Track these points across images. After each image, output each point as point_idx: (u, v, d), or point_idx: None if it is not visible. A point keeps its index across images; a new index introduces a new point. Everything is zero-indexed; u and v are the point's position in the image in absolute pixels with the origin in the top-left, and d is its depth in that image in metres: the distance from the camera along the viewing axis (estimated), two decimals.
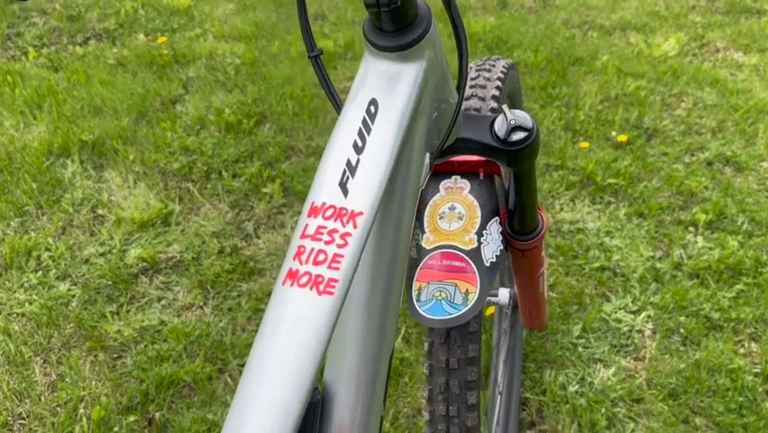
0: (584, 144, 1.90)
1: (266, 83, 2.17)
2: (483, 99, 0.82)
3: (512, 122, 0.63)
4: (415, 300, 0.69)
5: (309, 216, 0.45)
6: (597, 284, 1.52)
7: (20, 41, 2.44)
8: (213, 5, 2.66)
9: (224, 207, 1.74)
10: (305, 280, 0.43)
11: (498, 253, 0.71)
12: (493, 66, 0.91)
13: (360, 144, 0.47)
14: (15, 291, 1.52)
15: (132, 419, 1.26)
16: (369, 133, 0.47)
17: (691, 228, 1.67)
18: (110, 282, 1.53)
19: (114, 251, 1.60)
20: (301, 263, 0.44)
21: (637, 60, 2.32)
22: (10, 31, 2.50)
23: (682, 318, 1.44)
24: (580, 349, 1.39)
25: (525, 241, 0.79)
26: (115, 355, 1.39)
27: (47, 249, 1.61)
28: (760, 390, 1.32)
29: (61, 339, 1.42)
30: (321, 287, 0.43)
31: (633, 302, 1.49)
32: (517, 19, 2.57)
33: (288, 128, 1.99)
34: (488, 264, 0.69)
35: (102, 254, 1.61)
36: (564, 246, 1.60)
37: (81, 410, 1.27)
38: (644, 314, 1.46)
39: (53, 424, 1.26)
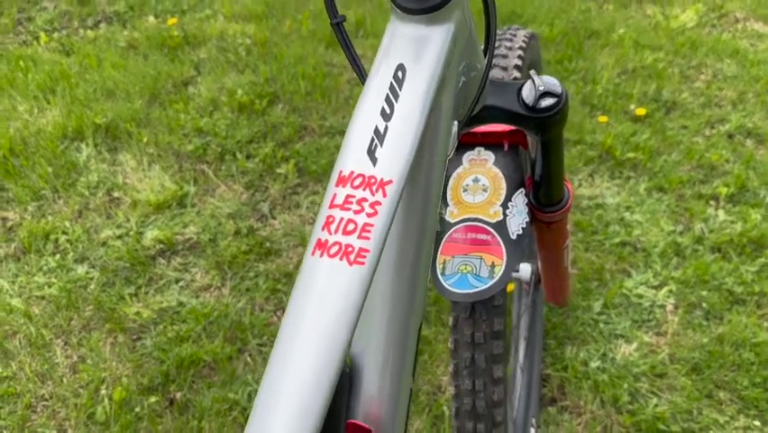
0: (602, 119, 1.87)
1: (278, 63, 2.15)
2: (506, 69, 0.80)
3: (540, 88, 0.61)
4: (440, 274, 0.67)
5: (337, 185, 0.44)
6: (617, 260, 1.50)
7: (31, 26, 2.43)
8: None
9: (239, 188, 1.74)
10: (335, 250, 0.42)
11: (525, 226, 0.69)
12: (514, 36, 0.89)
13: (388, 111, 0.45)
14: (35, 275, 1.52)
15: (153, 399, 1.27)
16: (396, 100, 0.45)
17: (713, 202, 1.65)
18: (128, 264, 1.53)
19: (131, 233, 1.60)
20: (330, 233, 0.42)
21: (655, 33, 2.28)
22: (20, 15, 2.49)
23: (704, 293, 1.43)
24: (601, 325, 1.38)
25: (552, 213, 0.77)
26: (135, 337, 1.40)
27: (64, 232, 1.62)
28: None
29: (81, 321, 1.42)
30: (351, 257, 0.42)
31: (654, 277, 1.47)
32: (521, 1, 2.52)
33: (300, 108, 1.98)
34: (514, 237, 0.68)
35: (119, 237, 1.61)
36: (584, 222, 1.58)
37: (103, 391, 1.28)
38: (665, 289, 1.44)
39: (76, 405, 1.26)
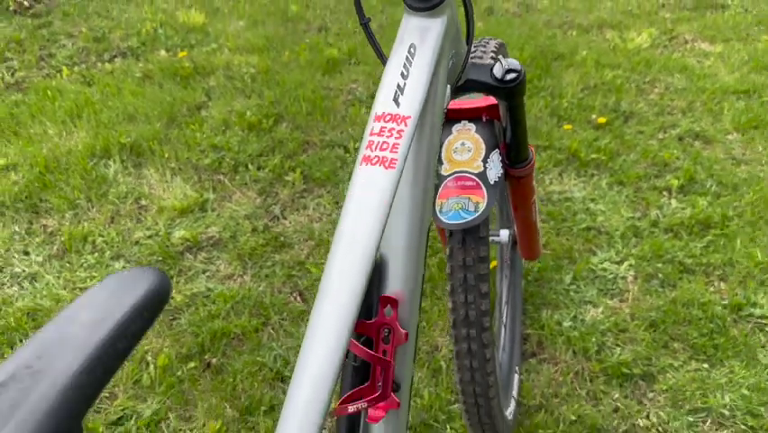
0: (568, 127, 2.14)
1: (280, 88, 2.40)
2: None
3: (506, 66, 0.86)
4: (438, 213, 0.91)
5: (375, 121, 0.67)
6: (584, 241, 1.75)
7: (52, 61, 2.67)
8: (225, 23, 2.91)
9: (253, 194, 1.97)
10: (375, 160, 0.65)
11: (500, 176, 0.93)
12: (487, 43, 1.14)
13: (405, 73, 0.69)
14: (76, 271, 1.73)
15: (191, 365, 1.47)
16: (411, 66, 0.69)
17: (666, 192, 1.91)
18: (160, 258, 1.75)
19: (161, 233, 1.82)
20: (372, 150, 0.66)
21: (613, 54, 2.57)
22: (42, 52, 2.74)
23: (660, 265, 1.67)
24: (572, 294, 1.61)
25: (520, 168, 1.02)
26: (171, 318, 1.61)
27: (100, 235, 1.83)
28: (728, 318, 1.54)
29: None
30: (386, 164, 0.65)
31: (616, 254, 1.71)
32: (503, 23, 2.82)
33: (303, 126, 2.22)
34: (492, 183, 0.92)
35: (149, 237, 1.82)
36: (555, 212, 1.83)
37: (148, 358, 1.48)
38: (626, 263, 1.68)
39: (124, 372, 1.46)
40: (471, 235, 0.94)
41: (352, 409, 0.69)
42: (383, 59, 0.78)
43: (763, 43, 2.64)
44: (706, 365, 1.45)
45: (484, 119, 0.96)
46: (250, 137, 2.17)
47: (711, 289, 1.62)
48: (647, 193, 1.90)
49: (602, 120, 2.16)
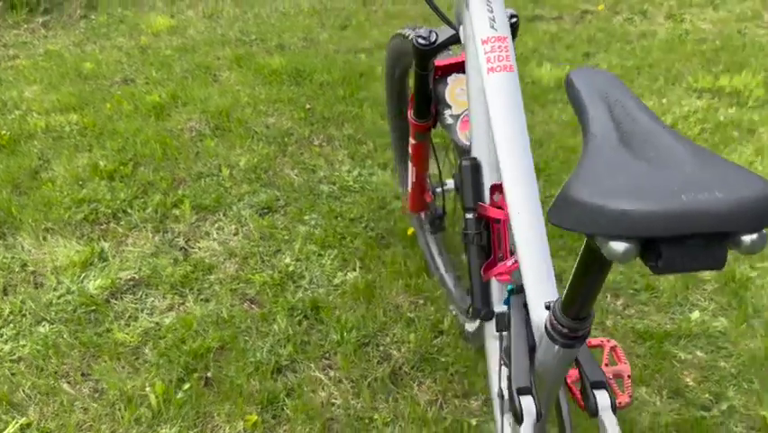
0: None
1: (120, 137, 2.36)
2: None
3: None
4: (466, 141, 1.16)
5: (484, 44, 0.91)
6: None
7: None
8: (16, 90, 2.71)
9: (148, 233, 1.94)
10: (498, 69, 0.89)
11: None
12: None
13: (489, 8, 0.94)
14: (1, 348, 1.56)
15: (187, 386, 1.46)
16: (491, 2, 0.95)
17: None
18: (90, 309, 1.66)
19: (73, 289, 1.72)
20: (491, 62, 0.90)
21: None
22: None
23: None
24: None
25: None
26: (134, 357, 1.55)
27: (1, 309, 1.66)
28: None
29: (75, 361, 1.52)
30: (508, 69, 0.89)
31: None
32: (299, 54, 3.11)
33: (164, 165, 2.23)
34: None
35: (61, 296, 1.71)
36: None
37: (139, 394, 1.43)
38: None
39: (114, 417, 1.39)
40: None
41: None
42: (446, 19, 1.02)
43: None
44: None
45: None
46: (115, 184, 2.12)
47: None
48: None
49: None
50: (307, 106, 2.61)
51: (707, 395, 1.47)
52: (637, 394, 1.47)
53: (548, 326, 0.68)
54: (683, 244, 0.42)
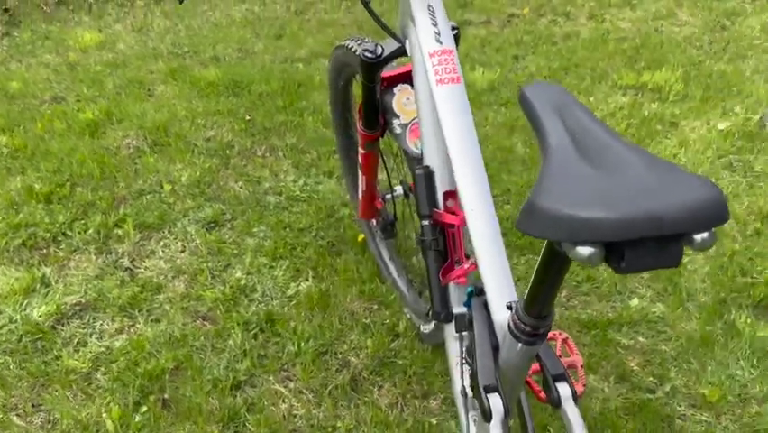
0: None
1: (55, 157, 2.29)
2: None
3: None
4: (414, 148, 1.19)
5: (431, 57, 0.95)
6: None
7: None
8: None
9: (91, 255, 1.90)
10: (447, 81, 0.93)
11: None
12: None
13: (434, 22, 0.98)
14: None
15: (144, 409, 1.44)
16: (436, 15, 0.98)
17: None
18: (35, 338, 1.61)
19: (17, 317, 1.66)
20: (439, 74, 0.93)
21: None
22: None
23: None
24: None
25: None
26: (86, 382, 1.51)
27: None
28: None
29: (24, 392, 1.48)
30: (456, 81, 0.93)
31: None
32: (235, 65, 3.08)
33: (102, 185, 2.18)
34: None
35: (4, 325, 1.65)
36: None
37: (103, 416, 1.40)
38: None
39: None
40: None
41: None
42: (391, 33, 1.05)
43: None
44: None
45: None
46: (53, 207, 2.05)
47: None
48: None
49: None
50: (247, 118, 2.60)
51: (651, 378, 1.56)
52: (587, 382, 1.53)
53: (511, 325, 0.72)
54: (643, 246, 0.47)
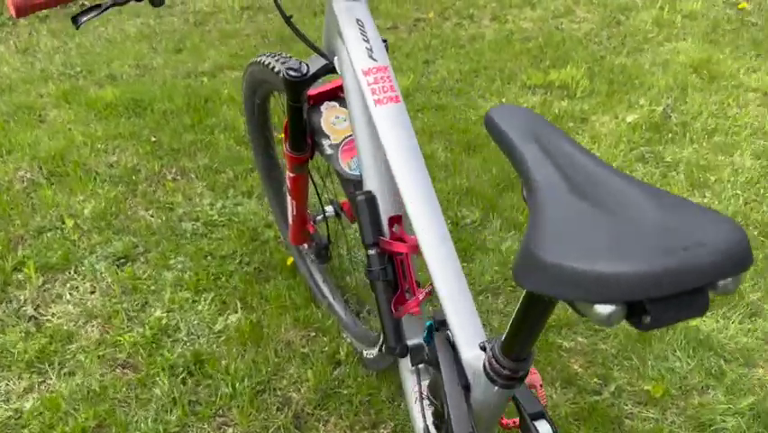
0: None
1: None
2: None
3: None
4: (349, 170, 1.11)
5: (366, 75, 0.87)
6: None
7: None
8: None
9: None
10: (386, 100, 0.86)
11: None
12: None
13: (365, 38, 0.90)
14: None
15: None
16: (366, 30, 0.91)
17: None
18: None
19: None
20: (376, 93, 0.86)
21: None
22: None
23: None
24: None
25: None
26: None
27: None
28: None
29: None
30: (395, 100, 0.86)
31: None
32: (133, 83, 2.89)
33: None
34: None
35: None
36: None
37: None
38: None
39: None
40: None
41: None
42: (317, 50, 0.97)
43: None
44: None
45: (341, 95, 1.19)
46: None
47: None
48: None
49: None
50: (153, 139, 2.43)
51: (595, 379, 1.55)
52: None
53: (487, 367, 0.66)
54: (668, 300, 0.41)
